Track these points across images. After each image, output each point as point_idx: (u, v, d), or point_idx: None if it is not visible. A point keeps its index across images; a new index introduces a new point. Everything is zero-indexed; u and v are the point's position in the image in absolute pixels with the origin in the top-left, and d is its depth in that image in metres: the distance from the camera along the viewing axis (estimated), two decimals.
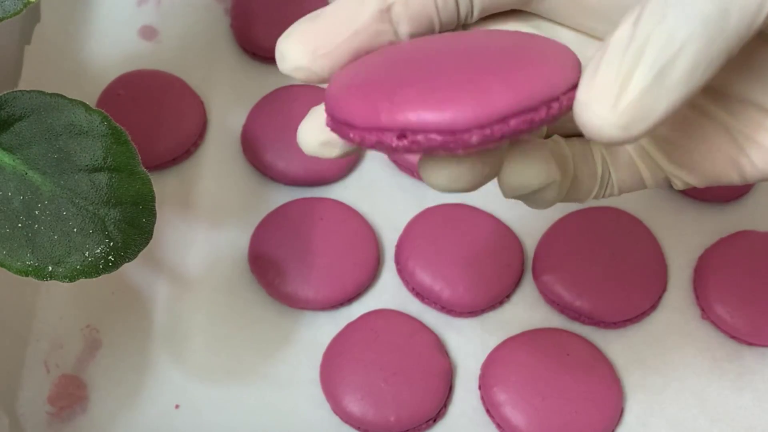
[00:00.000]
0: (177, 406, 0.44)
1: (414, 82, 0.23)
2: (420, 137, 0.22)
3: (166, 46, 0.53)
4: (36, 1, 0.31)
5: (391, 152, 0.23)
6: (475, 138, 0.22)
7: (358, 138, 0.23)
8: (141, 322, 0.46)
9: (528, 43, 0.25)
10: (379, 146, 0.23)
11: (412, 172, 0.49)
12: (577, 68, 0.24)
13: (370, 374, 0.43)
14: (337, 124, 0.24)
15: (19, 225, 0.32)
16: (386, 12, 0.27)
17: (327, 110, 0.25)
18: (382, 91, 0.23)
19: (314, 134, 0.27)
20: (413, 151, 0.23)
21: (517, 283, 0.47)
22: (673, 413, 0.44)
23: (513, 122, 0.22)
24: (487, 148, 0.23)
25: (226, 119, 0.51)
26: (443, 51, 0.25)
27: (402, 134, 0.23)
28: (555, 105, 0.23)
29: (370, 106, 0.23)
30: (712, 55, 0.23)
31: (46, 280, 0.33)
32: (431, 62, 0.24)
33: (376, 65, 0.25)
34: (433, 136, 0.22)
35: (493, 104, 0.22)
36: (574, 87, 0.23)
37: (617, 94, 0.22)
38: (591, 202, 0.49)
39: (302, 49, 0.26)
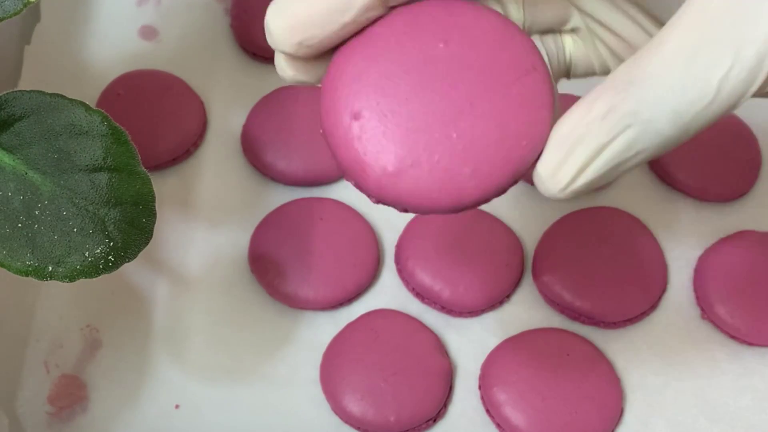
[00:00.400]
0: (177, 406, 0.44)
1: (401, 156, 0.26)
2: (398, 207, 0.26)
3: (166, 46, 0.53)
4: (36, 1, 0.31)
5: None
6: (443, 214, 0.27)
7: (343, 176, 0.28)
8: (141, 322, 0.46)
9: (512, 89, 0.26)
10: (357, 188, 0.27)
11: None
12: (549, 119, 0.26)
13: (370, 374, 0.43)
14: (328, 142, 0.27)
15: (19, 225, 0.32)
16: None
17: (322, 121, 0.27)
18: (371, 159, 0.26)
19: (289, 73, 0.28)
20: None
21: (517, 283, 0.47)
22: (673, 413, 0.44)
23: (478, 204, 0.26)
24: None
25: (226, 119, 0.51)
26: (435, 99, 0.26)
27: (381, 201, 0.26)
28: (519, 180, 0.26)
29: (359, 168, 0.26)
30: (661, 152, 0.25)
31: (46, 280, 0.33)
32: (421, 123, 0.26)
33: (371, 97, 0.26)
34: (409, 210, 0.26)
35: (465, 200, 0.26)
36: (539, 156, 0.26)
37: (569, 182, 0.26)
38: (591, 202, 0.49)
39: (289, 38, 0.27)
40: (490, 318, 0.46)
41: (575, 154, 0.25)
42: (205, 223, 0.49)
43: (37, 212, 0.33)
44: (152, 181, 0.34)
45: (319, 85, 0.28)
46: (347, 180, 0.27)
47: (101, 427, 0.44)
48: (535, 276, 0.47)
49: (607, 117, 0.25)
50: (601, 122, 0.25)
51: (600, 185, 0.26)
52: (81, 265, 0.33)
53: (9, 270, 0.32)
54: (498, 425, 0.43)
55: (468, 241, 0.47)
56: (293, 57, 0.28)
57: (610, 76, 0.25)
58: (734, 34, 0.23)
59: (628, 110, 0.24)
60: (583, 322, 0.46)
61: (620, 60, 0.31)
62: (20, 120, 0.33)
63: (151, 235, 0.34)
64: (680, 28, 0.24)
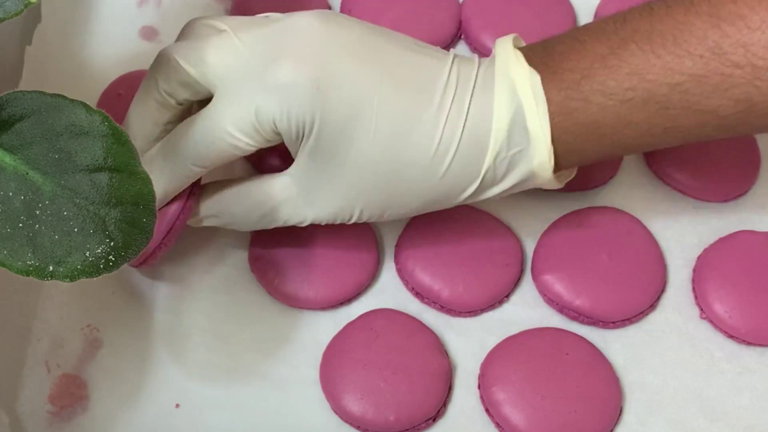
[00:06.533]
0: (177, 406, 0.44)
1: None
2: None
3: None
4: (37, 2, 0.31)
5: None
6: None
7: None
8: (141, 322, 0.46)
9: None
10: None
11: None
12: None
13: (370, 374, 0.43)
14: None
15: (20, 225, 0.33)
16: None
17: None
18: None
19: None
20: None
21: (516, 282, 0.47)
22: (672, 413, 0.44)
23: None
24: None
25: None
26: None
27: None
28: None
29: None
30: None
31: (47, 280, 0.33)
32: None
33: None
34: None
35: None
36: None
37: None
38: (591, 202, 0.49)
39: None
40: (489, 318, 0.47)
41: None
42: None
43: (37, 212, 0.33)
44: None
45: None
46: None
47: (101, 427, 0.44)
48: (535, 276, 0.47)
49: None
50: None
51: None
52: (82, 265, 0.33)
53: (10, 270, 0.33)
54: (497, 424, 0.43)
55: (468, 241, 0.47)
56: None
57: None
58: None
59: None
60: (583, 322, 0.46)
61: None
62: (21, 120, 0.33)
63: (152, 235, 0.34)
64: None
